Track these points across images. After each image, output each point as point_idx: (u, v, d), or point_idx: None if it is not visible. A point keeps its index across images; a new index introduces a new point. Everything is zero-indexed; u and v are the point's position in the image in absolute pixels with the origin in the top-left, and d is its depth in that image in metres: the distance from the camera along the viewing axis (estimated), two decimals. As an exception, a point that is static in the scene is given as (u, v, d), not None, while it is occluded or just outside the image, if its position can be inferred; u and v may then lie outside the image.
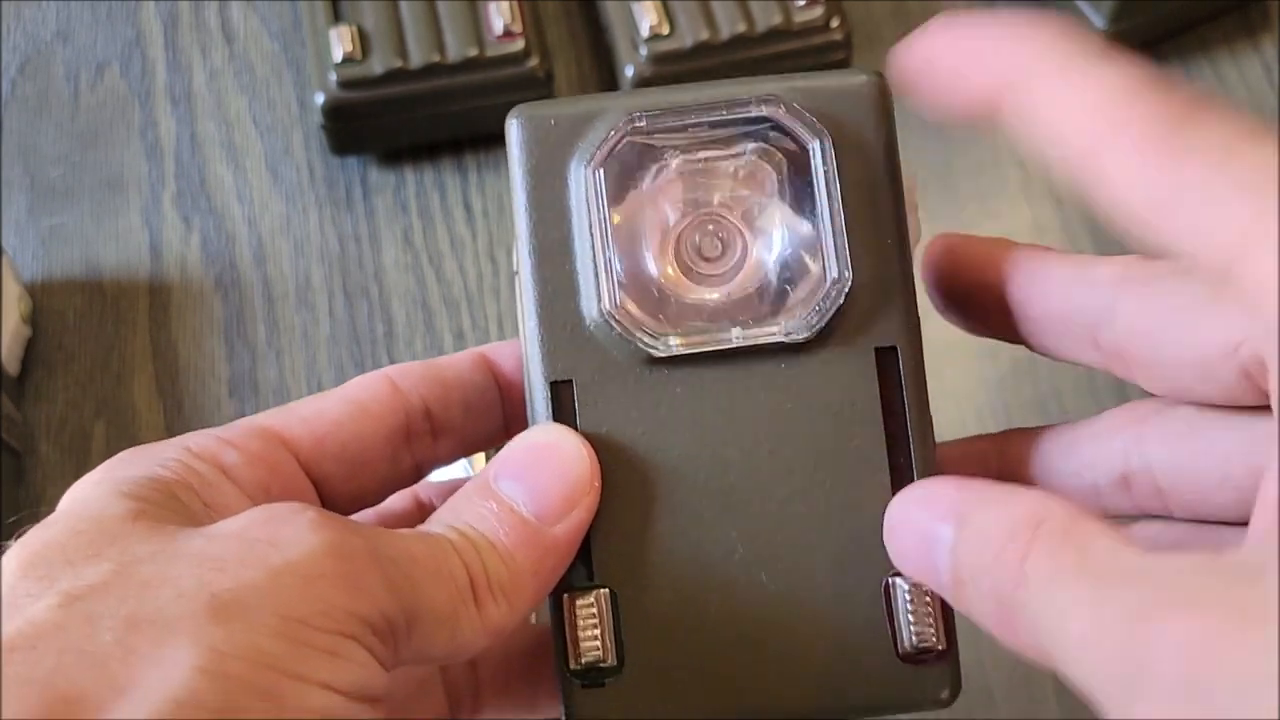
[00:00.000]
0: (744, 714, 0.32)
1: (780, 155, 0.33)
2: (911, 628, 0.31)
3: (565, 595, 0.31)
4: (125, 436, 0.53)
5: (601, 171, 0.32)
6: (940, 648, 0.31)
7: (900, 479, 0.32)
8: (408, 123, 0.56)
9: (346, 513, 0.32)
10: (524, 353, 0.32)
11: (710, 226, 0.33)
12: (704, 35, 0.55)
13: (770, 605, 0.32)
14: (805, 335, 0.32)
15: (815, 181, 0.32)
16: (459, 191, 0.58)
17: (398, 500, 0.35)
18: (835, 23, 0.56)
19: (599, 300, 0.32)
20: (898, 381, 0.32)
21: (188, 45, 0.61)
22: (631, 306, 0.32)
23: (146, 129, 0.59)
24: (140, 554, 0.25)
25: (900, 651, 0.31)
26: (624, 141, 0.32)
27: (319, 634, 0.25)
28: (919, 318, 0.32)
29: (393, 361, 0.54)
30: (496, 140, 0.58)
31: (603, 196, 0.32)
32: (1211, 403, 0.30)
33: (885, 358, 0.32)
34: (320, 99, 0.55)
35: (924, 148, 0.58)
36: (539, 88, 0.56)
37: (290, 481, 0.30)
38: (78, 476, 0.52)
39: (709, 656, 0.32)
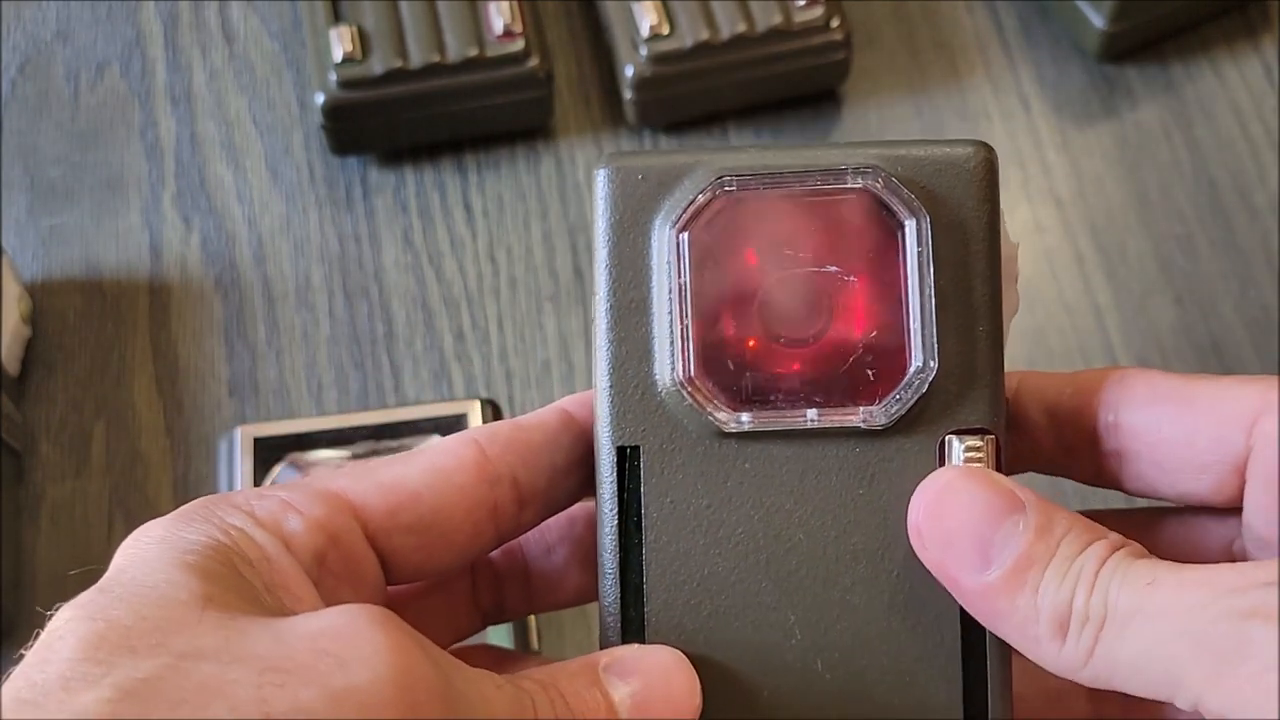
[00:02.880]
0: None
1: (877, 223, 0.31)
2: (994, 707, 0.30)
3: None
4: (125, 436, 0.53)
5: (686, 235, 0.31)
6: None
7: None
8: (408, 123, 0.56)
9: (414, 581, 0.31)
10: (595, 413, 0.31)
11: (801, 291, 0.31)
12: (704, 35, 0.55)
13: (825, 696, 0.31)
14: (884, 423, 0.31)
15: (907, 262, 0.31)
16: (459, 191, 0.58)
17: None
18: (835, 23, 0.56)
19: (673, 368, 0.31)
20: None
21: (188, 45, 0.61)
22: (705, 379, 0.31)
23: (146, 129, 0.59)
24: (204, 649, 0.24)
25: None
26: (711, 204, 0.31)
27: None
28: (1007, 407, 0.31)
29: (393, 362, 0.54)
30: (496, 140, 0.58)
31: (685, 260, 0.31)
32: None
33: (965, 441, 0.31)
34: (320, 99, 0.55)
35: (924, 148, 0.58)
36: (539, 87, 0.56)
37: (351, 553, 0.29)
38: (77, 476, 0.53)
39: None
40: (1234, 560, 0.32)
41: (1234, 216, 0.56)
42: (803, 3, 0.56)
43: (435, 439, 0.45)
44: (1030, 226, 0.56)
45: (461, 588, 0.34)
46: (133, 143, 0.59)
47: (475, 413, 0.45)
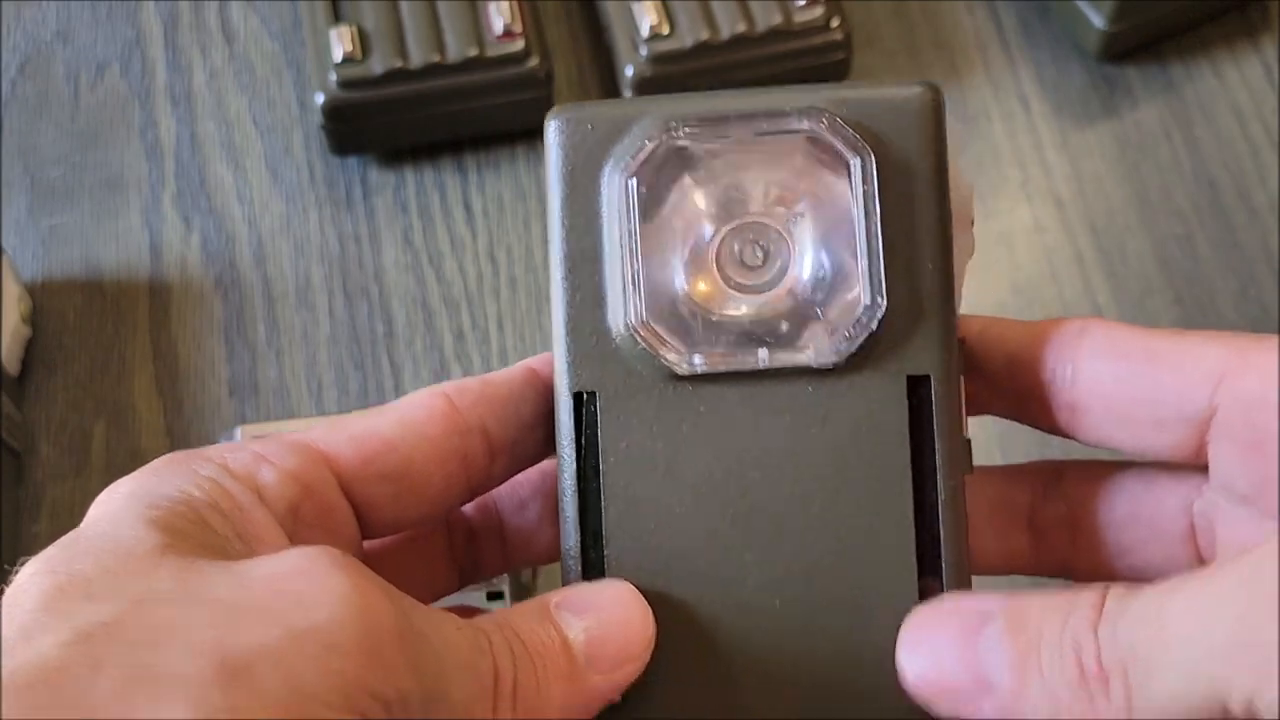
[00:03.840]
0: None
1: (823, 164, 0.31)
2: None
3: None
4: (125, 436, 0.53)
5: (635, 180, 0.31)
6: None
7: (924, 513, 0.31)
8: (408, 123, 0.56)
9: (389, 534, 0.32)
10: (554, 362, 0.32)
11: (752, 235, 0.32)
12: (704, 35, 0.55)
13: (780, 631, 0.31)
14: (834, 361, 0.31)
15: (854, 201, 0.31)
16: (459, 191, 0.58)
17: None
18: (835, 23, 0.56)
19: (625, 314, 0.31)
20: (929, 412, 0.31)
21: (188, 45, 0.61)
22: (657, 322, 0.31)
23: (146, 129, 0.59)
24: (161, 592, 0.24)
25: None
26: (660, 150, 0.31)
27: (328, 710, 0.24)
28: (958, 347, 0.32)
29: (393, 362, 0.54)
30: (496, 140, 0.58)
31: (634, 207, 0.31)
32: None
33: (918, 387, 0.31)
34: (320, 99, 0.55)
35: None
36: (539, 88, 0.56)
37: (325, 504, 0.29)
38: (77, 475, 0.53)
39: (717, 673, 0.31)
40: (1192, 524, 0.32)
41: (1234, 216, 0.56)
42: (803, 3, 0.56)
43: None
44: (1030, 226, 0.56)
45: (437, 545, 0.34)
46: (133, 143, 0.59)
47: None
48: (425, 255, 0.56)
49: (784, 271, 0.32)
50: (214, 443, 0.50)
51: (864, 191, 0.31)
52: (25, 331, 0.54)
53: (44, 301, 0.56)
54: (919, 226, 0.31)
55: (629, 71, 0.56)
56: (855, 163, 0.31)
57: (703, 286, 0.32)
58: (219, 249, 0.57)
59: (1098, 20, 0.58)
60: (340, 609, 0.25)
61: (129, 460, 0.52)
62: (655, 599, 0.31)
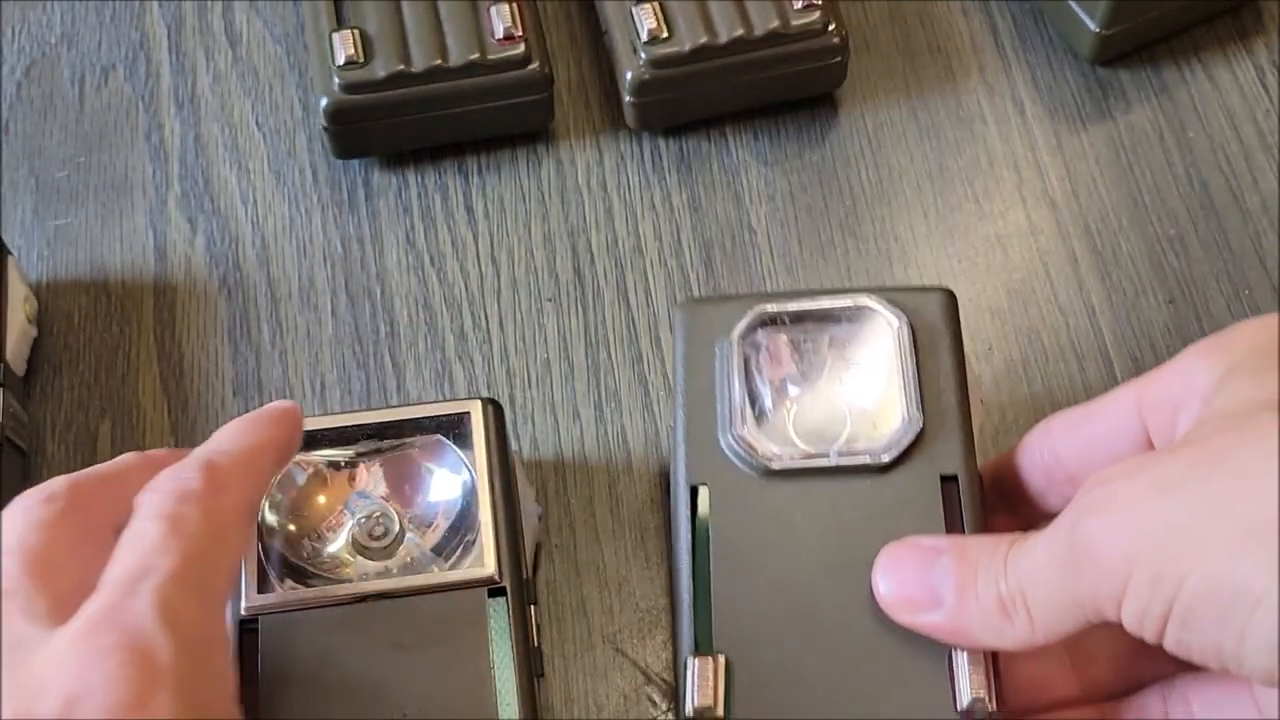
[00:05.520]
0: None
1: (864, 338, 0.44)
2: (969, 683, 0.38)
3: (690, 657, 0.40)
4: (130, 435, 0.53)
5: (739, 344, 0.44)
6: (991, 707, 0.38)
7: None
8: (410, 126, 0.57)
9: None
10: (672, 464, 0.43)
11: (810, 406, 0.44)
12: (702, 39, 0.55)
13: (852, 673, 0.39)
14: (886, 459, 0.41)
15: (899, 347, 0.43)
16: (461, 194, 0.58)
17: None
18: (832, 26, 0.56)
19: (732, 428, 0.42)
20: (957, 501, 0.41)
21: (192, 49, 0.62)
22: (755, 435, 0.43)
23: (151, 131, 0.60)
24: None
25: (959, 708, 0.38)
26: (755, 323, 0.44)
27: None
28: (975, 455, 0.42)
29: (395, 362, 0.54)
30: (498, 143, 0.59)
31: (737, 359, 0.43)
32: None
33: (948, 483, 0.41)
34: (323, 102, 0.55)
35: (918, 149, 0.59)
36: (540, 91, 0.57)
37: None
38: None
39: (799, 714, 0.39)
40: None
41: (1227, 218, 0.57)
42: (800, 6, 0.56)
43: (437, 439, 0.46)
44: (1025, 228, 0.57)
45: None
46: (137, 145, 0.60)
47: (477, 411, 0.45)
48: (427, 257, 0.57)
49: (845, 428, 0.44)
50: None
51: (902, 341, 0.43)
52: (31, 332, 0.55)
53: (50, 302, 0.56)
54: (940, 370, 0.43)
55: (629, 75, 0.56)
56: (896, 322, 0.44)
57: (789, 405, 0.44)
58: (223, 250, 0.57)
59: (1091, 23, 0.58)
60: None
61: (135, 459, 0.53)
62: (751, 653, 0.39)
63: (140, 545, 0.34)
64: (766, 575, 0.40)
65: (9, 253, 0.53)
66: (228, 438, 0.39)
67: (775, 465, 0.42)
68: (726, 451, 0.42)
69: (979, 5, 0.62)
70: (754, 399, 0.43)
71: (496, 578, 0.42)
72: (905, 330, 0.43)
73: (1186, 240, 0.56)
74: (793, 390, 0.44)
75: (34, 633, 0.33)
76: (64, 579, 0.34)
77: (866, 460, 0.41)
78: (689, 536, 0.41)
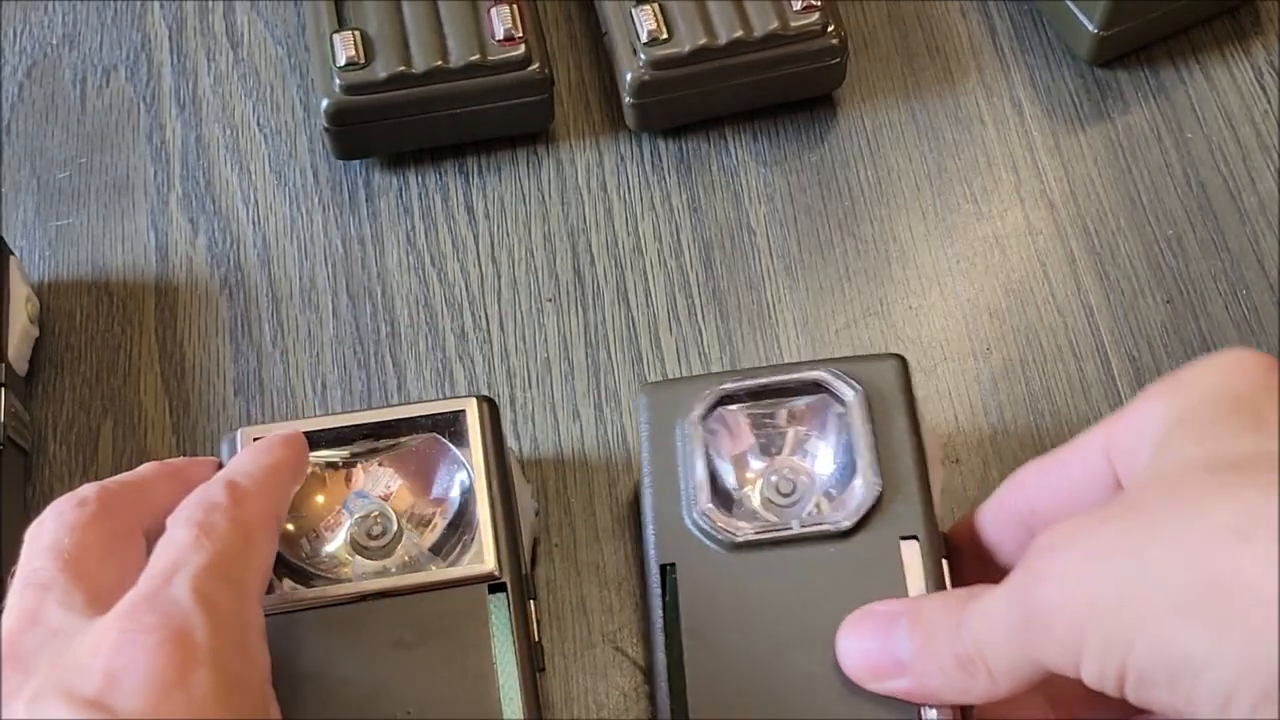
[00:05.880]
0: None
1: (823, 410, 0.45)
2: None
3: None
4: (132, 435, 0.54)
5: (700, 424, 0.45)
6: None
7: None
8: (410, 126, 0.57)
9: None
10: (643, 544, 0.44)
11: (774, 478, 0.45)
12: (702, 40, 0.56)
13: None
14: (848, 525, 0.43)
15: (852, 418, 0.44)
16: (461, 194, 0.58)
17: None
18: (831, 27, 0.57)
19: (696, 505, 0.44)
20: (919, 560, 0.42)
21: (193, 50, 0.62)
22: (718, 512, 0.44)
23: (153, 132, 0.60)
24: None
25: None
26: (714, 402, 0.45)
27: None
28: (935, 517, 0.43)
29: (396, 362, 0.55)
30: (498, 143, 0.59)
31: (699, 439, 0.45)
32: None
33: (908, 543, 0.42)
34: (324, 103, 0.55)
35: (917, 150, 0.59)
36: (540, 92, 0.57)
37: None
38: (85, 474, 0.54)
39: None
40: None
41: (1224, 218, 0.57)
42: (799, 7, 0.56)
43: (433, 437, 0.46)
44: (1023, 229, 0.57)
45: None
46: (139, 146, 0.60)
47: (472, 409, 0.45)
48: (428, 257, 0.57)
49: (809, 495, 0.45)
50: (219, 441, 0.51)
51: (859, 411, 0.44)
52: (33, 332, 0.55)
53: (51, 302, 0.56)
54: (895, 434, 0.44)
55: (628, 76, 0.56)
56: (850, 394, 0.45)
57: (748, 483, 0.45)
58: (224, 251, 0.57)
59: (1090, 24, 0.58)
60: None
61: (136, 458, 0.53)
62: (726, 716, 0.41)
63: (174, 546, 0.37)
64: (737, 647, 0.41)
65: (11, 253, 0.54)
66: (245, 460, 0.42)
67: (740, 539, 0.43)
68: (693, 529, 0.43)
69: (977, 6, 0.62)
70: (716, 476, 0.45)
71: (496, 573, 0.42)
72: (860, 400, 0.44)
73: (1184, 240, 0.57)
74: (754, 464, 0.46)
75: (73, 621, 0.35)
76: (100, 576, 0.37)
77: (829, 528, 0.43)
78: (661, 615, 0.43)
